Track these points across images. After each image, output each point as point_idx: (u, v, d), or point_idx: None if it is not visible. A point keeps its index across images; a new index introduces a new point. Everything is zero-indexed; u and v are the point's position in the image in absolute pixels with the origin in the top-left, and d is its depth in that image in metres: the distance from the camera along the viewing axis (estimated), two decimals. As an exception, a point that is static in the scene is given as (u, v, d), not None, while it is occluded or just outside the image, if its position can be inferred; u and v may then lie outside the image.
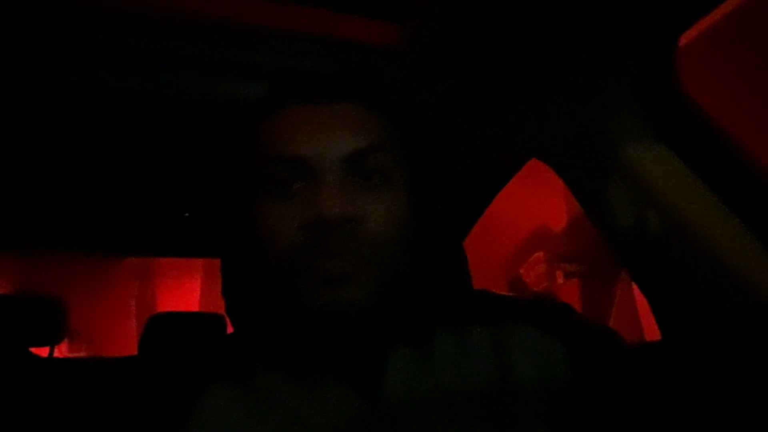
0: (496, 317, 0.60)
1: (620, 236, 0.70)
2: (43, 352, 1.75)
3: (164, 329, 1.62)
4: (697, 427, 0.53)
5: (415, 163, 0.61)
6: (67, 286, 2.54)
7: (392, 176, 0.56)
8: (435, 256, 0.63)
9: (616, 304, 2.70)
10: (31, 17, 0.76)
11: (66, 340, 1.93)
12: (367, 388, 0.54)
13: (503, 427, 0.53)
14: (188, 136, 1.10)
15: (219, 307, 0.65)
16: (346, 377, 0.55)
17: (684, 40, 0.64)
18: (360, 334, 0.55)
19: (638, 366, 0.57)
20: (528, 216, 3.06)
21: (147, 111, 0.98)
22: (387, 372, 0.55)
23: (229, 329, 0.66)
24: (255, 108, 0.60)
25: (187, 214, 1.51)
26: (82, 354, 4.33)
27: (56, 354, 1.88)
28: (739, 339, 0.57)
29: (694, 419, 0.53)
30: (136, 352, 1.64)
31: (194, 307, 4.74)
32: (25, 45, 0.79)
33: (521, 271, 3.16)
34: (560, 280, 3.06)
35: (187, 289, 4.88)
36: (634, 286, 0.70)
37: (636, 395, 0.55)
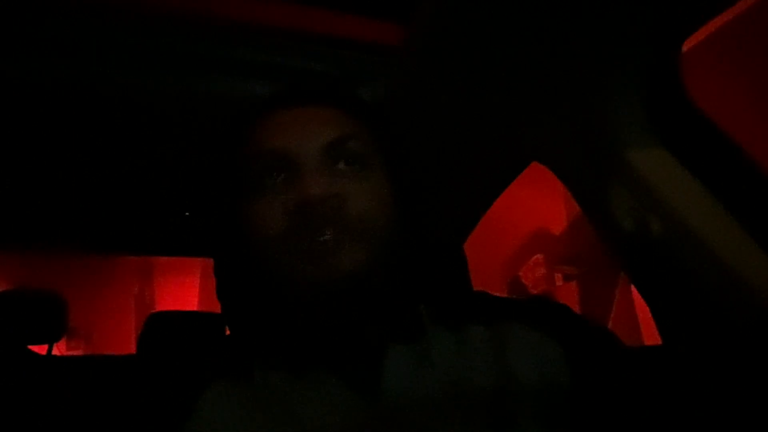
0: (494, 317, 0.61)
1: (621, 241, 0.70)
2: (41, 349, 1.75)
3: (163, 328, 1.62)
4: (695, 430, 0.53)
5: (390, 154, 0.64)
6: (66, 284, 2.54)
7: (369, 163, 0.60)
8: (424, 245, 0.64)
9: (615, 307, 2.70)
10: (31, 17, 0.75)
11: (64, 338, 1.92)
12: (366, 386, 0.55)
13: (501, 425, 0.53)
14: (188, 135, 1.10)
15: (218, 306, 0.66)
16: (344, 375, 0.55)
17: (688, 44, 0.64)
18: (356, 327, 0.56)
19: (637, 367, 0.57)
20: (528, 219, 3.06)
21: (147, 110, 0.98)
22: (384, 369, 0.55)
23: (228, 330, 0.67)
24: (240, 116, 0.65)
25: (187, 213, 1.51)
26: (80, 352, 4.33)
27: (54, 352, 1.88)
28: (740, 343, 0.57)
29: (692, 422, 0.53)
30: (134, 351, 1.64)
31: (193, 306, 4.75)
32: (24, 44, 0.79)
33: (520, 273, 3.16)
34: (559, 283, 3.07)
35: (186, 288, 4.88)
36: (633, 290, 0.70)
37: (634, 396, 0.55)
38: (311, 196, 0.54)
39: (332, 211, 0.55)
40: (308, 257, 0.54)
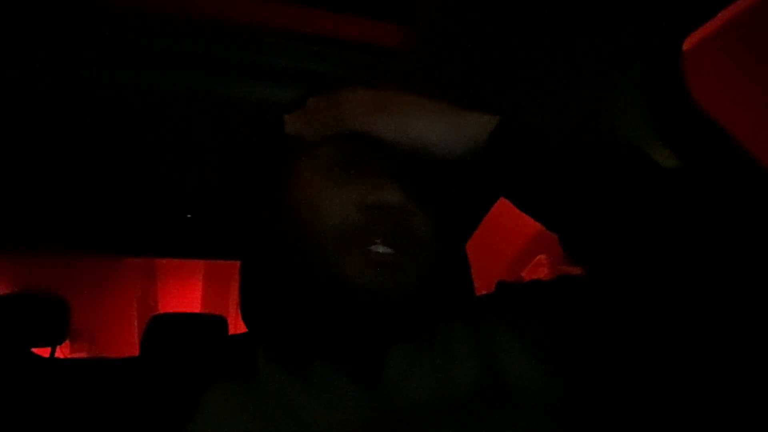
0: (483, 314, 0.61)
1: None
2: (44, 351, 1.75)
3: (166, 330, 1.62)
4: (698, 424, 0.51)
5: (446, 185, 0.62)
6: (69, 286, 2.55)
7: (434, 186, 0.57)
8: (444, 256, 0.63)
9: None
10: (35, 16, 0.76)
11: (68, 340, 1.93)
12: (368, 382, 0.54)
13: (497, 422, 0.52)
14: (190, 137, 1.10)
15: (221, 308, 0.66)
16: (347, 372, 0.55)
17: (690, 43, 0.64)
18: (361, 324, 0.55)
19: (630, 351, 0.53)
20: (530, 219, 3.05)
21: (149, 111, 0.98)
22: (387, 366, 0.55)
23: (230, 331, 0.66)
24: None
25: (189, 216, 1.51)
26: (83, 354, 4.33)
27: (58, 354, 1.88)
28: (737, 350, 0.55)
29: (694, 417, 0.51)
30: (137, 353, 1.64)
31: (196, 308, 4.75)
32: (25, 44, 0.79)
33: (523, 273, 3.16)
34: (562, 283, 3.05)
35: (189, 290, 4.89)
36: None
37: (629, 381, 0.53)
38: (390, 201, 0.51)
39: (401, 224, 0.52)
40: (363, 262, 0.51)
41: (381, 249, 0.52)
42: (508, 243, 3.09)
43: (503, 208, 1.20)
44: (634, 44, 0.65)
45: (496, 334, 0.58)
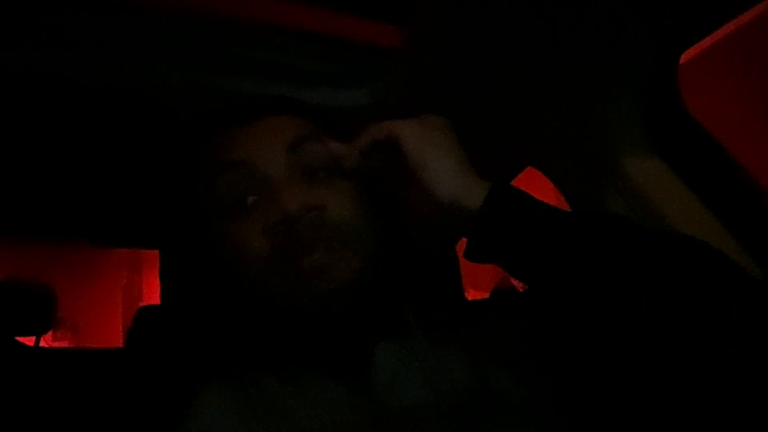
0: (470, 318, 0.61)
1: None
2: (28, 340, 1.74)
3: (153, 322, 1.61)
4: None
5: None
6: (54, 275, 2.52)
7: (335, 165, 0.57)
8: (409, 242, 0.63)
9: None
10: (29, 10, 0.75)
11: (51, 329, 1.92)
12: (356, 383, 0.55)
13: (480, 425, 0.53)
14: (181, 131, 1.09)
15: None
16: (334, 375, 0.55)
17: (686, 57, 0.65)
18: (344, 327, 0.55)
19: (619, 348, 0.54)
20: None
21: (140, 104, 0.97)
22: (373, 366, 0.55)
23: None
24: (197, 139, 0.63)
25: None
26: (66, 343, 4.30)
27: (41, 343, 1.87)
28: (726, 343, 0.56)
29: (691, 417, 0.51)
30: (121, 343, 1.62)
31: (181, 299, 4.71)
32: (16, 36, 0.78)
33: (510, 273, 3.16)
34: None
35: (175, 281, 4.84)
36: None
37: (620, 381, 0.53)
38: (291, 212, 0.51)
39: (315, 224, 0.52)
40: (301, 277, 0.52)
41: (306, 260, 0.51)
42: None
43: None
44: (631, 56, 0.66)
45: (486, 342, 0.58)
